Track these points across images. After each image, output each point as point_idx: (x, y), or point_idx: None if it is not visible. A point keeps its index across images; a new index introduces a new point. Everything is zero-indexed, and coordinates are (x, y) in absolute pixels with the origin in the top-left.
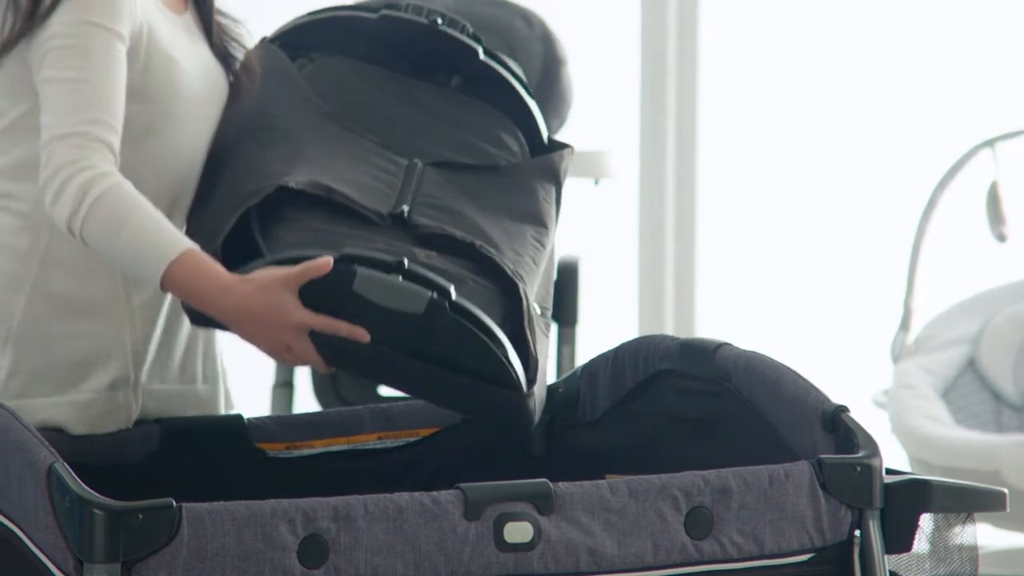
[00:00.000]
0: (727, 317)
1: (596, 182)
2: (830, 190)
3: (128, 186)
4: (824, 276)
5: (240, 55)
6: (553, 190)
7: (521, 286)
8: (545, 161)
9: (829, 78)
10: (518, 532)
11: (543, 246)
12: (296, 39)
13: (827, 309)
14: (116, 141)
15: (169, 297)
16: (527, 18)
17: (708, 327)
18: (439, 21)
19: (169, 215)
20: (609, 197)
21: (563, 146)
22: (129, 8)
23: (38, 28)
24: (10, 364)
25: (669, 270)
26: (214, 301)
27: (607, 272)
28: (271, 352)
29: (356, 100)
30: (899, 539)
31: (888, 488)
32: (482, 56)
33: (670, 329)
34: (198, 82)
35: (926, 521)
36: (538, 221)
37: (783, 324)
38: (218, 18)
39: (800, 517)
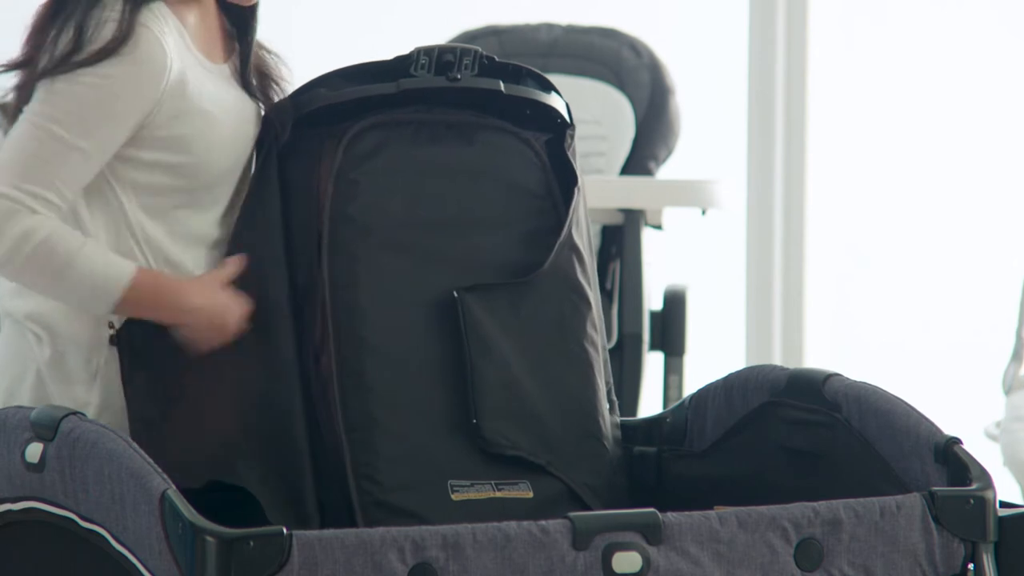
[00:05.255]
0: (836, 347)
1: (703, 212)
2: (939, 219)
3: (63, 226)
4: (934, 306)
5: (275, 95)
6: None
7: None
8: (560, 263)
9: (937, 112)
10: (627, 562)
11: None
12: (315, 116)
13: (938, 339)
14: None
15: None
16: (635, 47)
17: (817, 357)
18: (458, 74)
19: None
20: (717, 226)
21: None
22: (163, 76)
23: (68, 71)
24: (99, 401)
25: (777, 299)
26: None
27: (715, 301)
28: (208, 328)
29: (389, 217)
30: (1014, 573)
31: (1002, 521)
32: (504, 89)
33: (778, 359)
34: (231, 129)
35: None
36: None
37: (893, 354)
38: (260, 52)
39: (912, 550)
